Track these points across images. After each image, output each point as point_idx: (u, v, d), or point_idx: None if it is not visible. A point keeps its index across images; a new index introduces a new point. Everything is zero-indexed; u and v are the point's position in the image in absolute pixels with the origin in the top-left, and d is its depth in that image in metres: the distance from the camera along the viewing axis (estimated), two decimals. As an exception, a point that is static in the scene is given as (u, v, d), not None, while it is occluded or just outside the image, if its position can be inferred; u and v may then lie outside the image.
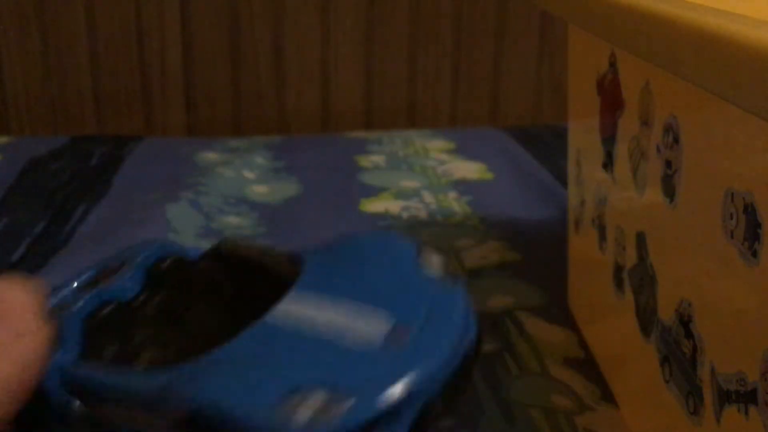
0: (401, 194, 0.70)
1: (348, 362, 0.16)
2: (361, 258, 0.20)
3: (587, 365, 0.44)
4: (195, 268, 0.21)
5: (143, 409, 0.18)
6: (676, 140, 0.29)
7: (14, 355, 0.19)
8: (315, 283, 0.19)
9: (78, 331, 0.20)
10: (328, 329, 0.17)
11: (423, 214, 0.66)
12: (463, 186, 0.72)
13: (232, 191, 0.70)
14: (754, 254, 0.23)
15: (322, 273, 0.19)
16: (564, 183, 0.67)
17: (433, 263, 0.19)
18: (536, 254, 0.58)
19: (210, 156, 0.81)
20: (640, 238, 0.34)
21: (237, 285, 0.20)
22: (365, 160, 0.79)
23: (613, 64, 0.38)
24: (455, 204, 0.68)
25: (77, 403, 0.20)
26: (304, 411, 0.15)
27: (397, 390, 0.15)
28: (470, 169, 0.77)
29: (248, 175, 0.74)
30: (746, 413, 0.24)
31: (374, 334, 0.16)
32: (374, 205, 0.67)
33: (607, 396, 0.41)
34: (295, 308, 0.18)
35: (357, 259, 0.20)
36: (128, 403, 0.19)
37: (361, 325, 0.17)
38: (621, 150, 0.37)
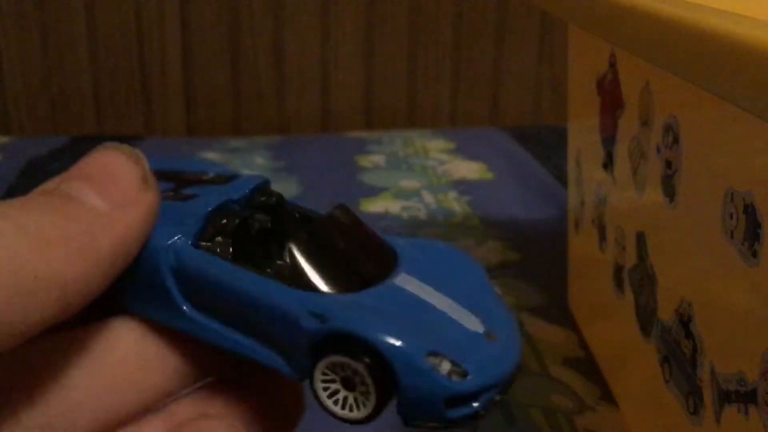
0: (401, 194, 0.70)
1: (464, 342, 0.18)
2: (445, 263, 0.21)
3: (587, 365, 0.44)
4: (297, 213, 0.21)
5: (270, 317, 0.18)
6: (676, 140, 0.29)
7: (115, 227, 0.17)
8: (415, 270, 0.20)
9: (201, 220, 0.19)
10: (442, 310, 0.19)
11: (423, 214, 0.66)
12: (463, 186, 0.72)
13: (232, 191, 0.70)
14: (754, 254, 0.23)
15: (417, 264, 0.20)
16: (564, 183, 0.67)
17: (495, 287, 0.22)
18: (536, 254, 0.58)
19: (210, 156, 0.81)
20: (640, 238, 0.34)
21: (331, 245, 0.20)
22: (365, 160, 0.79)
23: (613, 64, 0.38)
24: (455, 204, 0.68)
25: (184, 289, 0.19)
26: (444, 366, 0.18)
27: (500, 374, 0.18)
28: (470, 169, 0.77)
29: (248, 175, 0.74)
30: (746, 413, 0.24)
31: (476, 328, 0.19)
32: (374, 205, 0.67)
33: (607, 396, 0.41)
34: (410, 284, 0.20)
35: (441, 262, 0.21)
36: (250, 305, 0.18)
37: (465, 318, 0.19)
38: (621, 150, 0.37)
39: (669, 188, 0.30)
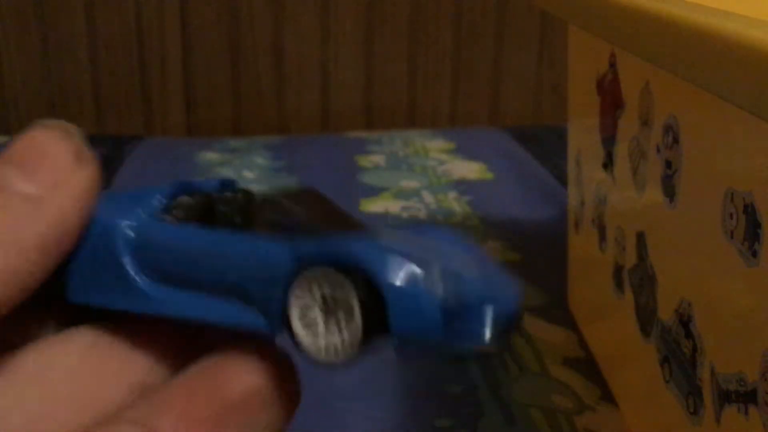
0: (401, 194, 0.70)
1: (461, 260, 0.17)
2: (437, 234, 0.20)
3: (587, 365, 0.44)
4: (268, 199, 0.20)
5: (241, 262, 0.17)
6: (676, 140, 0.29)
7: (45, 212, 0.16)
8: (400, 232, 0.19)
9: (164, 197, 0.18)
10: (435, 247, 0.18)
11: (423, 214, 0.66)
12: (463, 186, 0.72)
13: (232, 191, 0.70)
14: (754, 254, 0.23)
15: (402, 231, 0.19)
16: (564, 183, 0.67)
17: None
18: (536, 254, 0.58)
19: (210, 156, 0.81)
20: (640, 238, 0.34)
21: (302, 223, 0.19)
22: (365, 160, 0.79)
23: (613, 64, 0.38)
24: (455, 204, 0.68)
25: (146, 269, 0.18)
26: (436, 270, 0.16)
27: (503, 297, 0.17)
28: (470, 169, 0.77)
29: (248, 175, 0.74)
30: (746, 413, 0.24)
31: (474, 263, 0.18)
32: (374, 205, 0.67)
33: (607, 396, 0.41)
34: (399, 234, 0.18)
35: (432, 234, 0.20)
36: (220, 257, 0.17)
37: (461, 256, 0.18)
38: (621, 150, 0.37)
39: (669, 188, 0.30)
